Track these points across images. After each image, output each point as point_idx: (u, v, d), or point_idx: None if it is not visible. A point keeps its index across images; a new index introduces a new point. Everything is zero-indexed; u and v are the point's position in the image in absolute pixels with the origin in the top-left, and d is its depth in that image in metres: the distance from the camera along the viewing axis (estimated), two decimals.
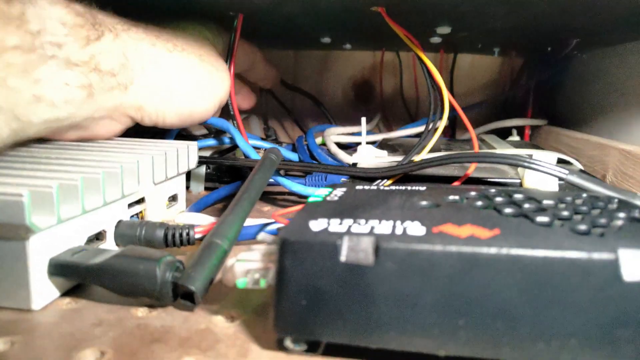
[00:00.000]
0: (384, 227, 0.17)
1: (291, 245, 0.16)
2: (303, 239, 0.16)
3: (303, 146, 0.44)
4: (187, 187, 0.39)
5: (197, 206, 0.31)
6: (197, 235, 0.24)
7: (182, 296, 0.19)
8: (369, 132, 0.56)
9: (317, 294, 0.16)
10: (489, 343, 0.15)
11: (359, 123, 0.39)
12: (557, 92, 0.62)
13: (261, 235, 0.19)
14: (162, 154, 0.28)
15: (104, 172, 0.22)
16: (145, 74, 0.28)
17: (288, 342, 0.17)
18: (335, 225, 0.17)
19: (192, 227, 0.25)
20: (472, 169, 0.28)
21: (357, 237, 0.16)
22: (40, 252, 0.19)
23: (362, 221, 0.17)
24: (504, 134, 0.54)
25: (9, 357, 0.16)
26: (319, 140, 0.47)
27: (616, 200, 0.21)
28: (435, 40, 0.49)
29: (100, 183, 0.22)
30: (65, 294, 0.21)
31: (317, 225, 0.17)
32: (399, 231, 0.16)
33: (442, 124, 0.30)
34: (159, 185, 0.28)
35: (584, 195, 0.22)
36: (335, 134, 0.48)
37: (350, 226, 0.17)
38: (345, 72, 0.70)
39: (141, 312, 0.20)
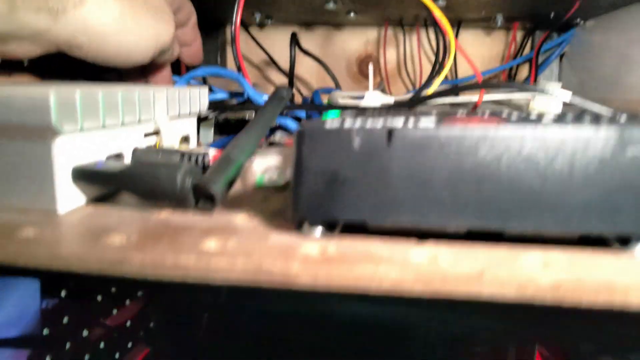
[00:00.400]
0: (397, 122, 0.18)
1: (309, 134, 0.17)
2: (320, 129, 0.17)
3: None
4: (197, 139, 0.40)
5: (215, 145, 0.32)
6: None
7: (202, 199, 0.20)
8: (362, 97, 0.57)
9: (334, 178, 0.17)
10: (497, 215, 0.16)
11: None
12: (560, 63, 0.62)
13: (277, 136, 0.20)
14: (176, 91, 0.29)
15: (121, 92, 0.23)
16: (83, 6, 0.26)
17: (306, 227, 0.18)
18: (351, 122, 0.18)
19: (207, 154, 0.26)
20: (480, 99, 0.29)
21: (371, 126, 0.17)
22: (65, 155, 0.20)
23: (376, 121, 0.18)
24: None
25: (39, 241, 0.17)
26: (324, 102, 0.48)
27: (618, 115, 0.22)
28: (440, 4, 0.50)
29: (118, 102, 0.23)
30: (91, 202, 0.22)
31: (333, 124, 0.18)
32: (411, 124, 0.17)
33: (449, 63, 0.31)
34: (173, 121, 0.29)
35: (588, 113, 0.22)
36: (342, 96, 0.49)
37: (365, 122, 0.18)
38: (349, 47, 0.71)
39: (164, 215, 0.20)
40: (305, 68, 0.67)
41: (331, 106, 0.31)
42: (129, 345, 0.47)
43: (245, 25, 0.65)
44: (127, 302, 0.51)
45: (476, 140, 0.16)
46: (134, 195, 0.20)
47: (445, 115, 0.20)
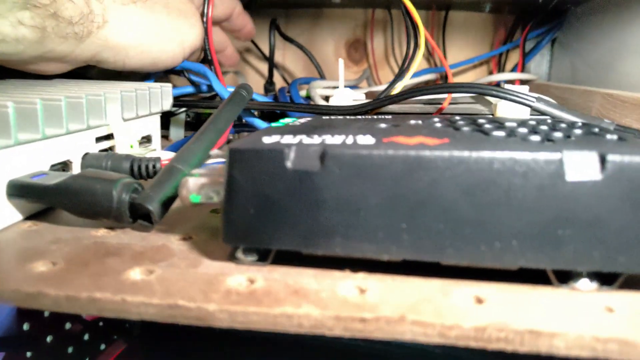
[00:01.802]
0: (335, 139, 0.17)
1: (240, 153, 0.16)
2: (252, 148, 0.16)
3: (285, 97, 0.43)
4: (167, 136, 0.39)
5: (175, 147, 0.31)
6: None
7: (141, 217, 0.20)
8: (356, 87, 0.56)
9: (266, 202, 0.16)
10: (432, 246, 0.15)
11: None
12: (552, 48, 0.61)
13: (214, 152, 0.19)
14: (133, 90, 0.28)
15: (65, 99, 0.22)
16: (105, 26, 0.28)
17: (239, 254, 0.17)
18: (288, 139, 0.17)
19: (158, 159, 0.25)
20: (446, 103, 0.28)
21: (304, 145, 0.16)
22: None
23: (316, 136, 0.17)
24: None
25: None
26: (303, 93, 0.47)
27: (580, 123, 0.21)
28: None
29: (62, 109, 0.22)
30: (27, 218, 0.21)
31: (269, 139, 0.17)
32: (349, 142, 0.16)
33: (419, 54, 0.30)
34: (130, 122, 0.28)
35: (550, 120, 0.21)
36: (321, 87, 0.48)
37: (301, 139, 0.17)
38: (337, 31, 0.69)
39: (101, 232, 0.20)
40: (292, 55, 0.65)
41: (292, 105, 0.30)
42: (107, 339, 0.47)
43: None
44: None
45: (410, 163, 0.15)
46: (69, 212, 0.20)
47: (395, 127, 0.19)
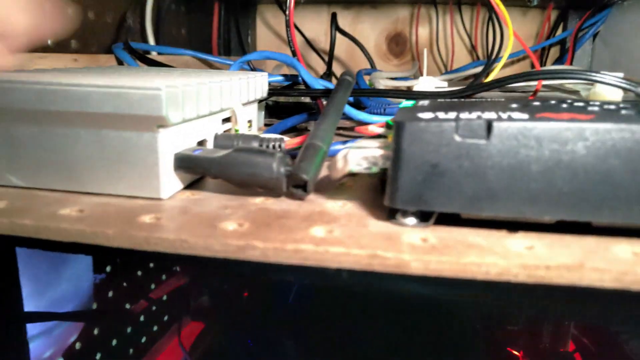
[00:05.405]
0: (489, 115, 0.19)
1: (409, 126, 0.18)
2: (419, 122, 0.18)
3: (366, 85, 0.46)
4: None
5: (274, 129, 0.33)
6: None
7: (293, 186, 0.22)
8: (403, 79, 0.58)
9: (434, 170, 0.18)
10: (589, 207, 0.17)
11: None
12: (593, 42, 0.62)
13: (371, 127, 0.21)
14: (249, 79, 0.30)
15: (210, 83, 0.24)
16: None
17: (398, 217, 0.19)
18: (443, 115, 0.19)
19: (282, 139, 0.27)
20: (539, 86, 0.30)
21: (468, 119, 0.18)
22: (168, 145, 0.22)
23: (466, 112, 0.19)
24: None
25: (159, 227, 0.19)
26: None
27: None
28: None
29: (209, 92, 0.24)
30: (184, 188, 0.23)
31: (425, 115, 0.19)
32: (504, 117, 0.18)
33: (507, 52, 0.32)
34: (244, 107, 0.30)
35: None
36: (382, 78, 0.50)
37: (458, 114, 0.19)
38: (378, 25, 0.71)
39: (258, 200, 0.22)
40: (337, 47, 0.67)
41: (405, 92, 0.32)
42: (175, 318, 0.50)
43: (279, 4, 0.65)
44: (168, 276, 0.54)
45: (574, 134, 0.17)
46: (229, 182, 0.22)
47: (524, 106, 0.21)
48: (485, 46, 0.67)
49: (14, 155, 0.22)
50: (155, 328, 0.49)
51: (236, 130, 0.29)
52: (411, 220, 0.19)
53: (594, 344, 0.44)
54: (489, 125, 0.18)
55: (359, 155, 0.20)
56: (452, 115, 0.19)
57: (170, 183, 0.22)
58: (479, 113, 0.19)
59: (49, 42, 0.41)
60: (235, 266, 0.19)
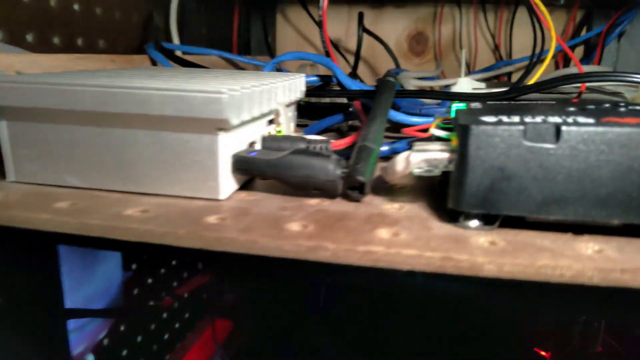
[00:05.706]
0: (554, 119, 0.19)
1: (476, 130, 0.18)
2: (486, 126, 0.18)
3: (397, 86, 0.46)
4: None
5: (311, 130, 0.34)
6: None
7: (349, 188, 0.22)
8: (430, 78, 0.58)
9: (501, 173, 0.18)
10: None
11: None
12: (621, 43, 0.62)
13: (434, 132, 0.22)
14: (291, 80, 0.30)
15: (262, 86, 0.25)
16: None
17: (462, 219, 0.19)
18: (506, 118, 0.19)
19: (328, 140, 0.27)
20: (583, 88, 0.30)
21: (535, 124, 0.18)
22: (227, 147, 0.22)
23: (529, 116, 0.19)
24: None
25: (227, 227, 0.19)
26: None
27: None
28: None
29: (260, 95, 0.24)
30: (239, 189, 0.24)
31: (489, 118, 0.19)
32: (569, 121, 0.18)
33: (550, 53, 0.32)
34: (288, 108, 0.31)
35: None
36: (411, 77, 0.50)
37: (522, 118, 0.19)
38: (399, 24, 0.71)
39: (315, 202, 0.22)
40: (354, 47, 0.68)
41: (454, 95, 0.32)
42: (199, 316, 0.50)
43: (303, 4, 0.65)
44: (193, 274, 0.54)
45: None
46: (285, 184, 0.22)
47: (582, 110, 0.21)
48: (509, 46, 0.67)
49: (72, 156, 0.23)
50: (181, 325, 0.49)
51: (279, 132, 0.30)
52: (474, 223, 0.19)
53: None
54: (557, 129, 0.18)
55: (421, 158, 0.20)
56: (516, 119, 0.19)
57: (227, 184, 0.22)
58: (542, 117, 0.19)
59: (79, 41, 0.42)
60: (289, 267, 0.19)
